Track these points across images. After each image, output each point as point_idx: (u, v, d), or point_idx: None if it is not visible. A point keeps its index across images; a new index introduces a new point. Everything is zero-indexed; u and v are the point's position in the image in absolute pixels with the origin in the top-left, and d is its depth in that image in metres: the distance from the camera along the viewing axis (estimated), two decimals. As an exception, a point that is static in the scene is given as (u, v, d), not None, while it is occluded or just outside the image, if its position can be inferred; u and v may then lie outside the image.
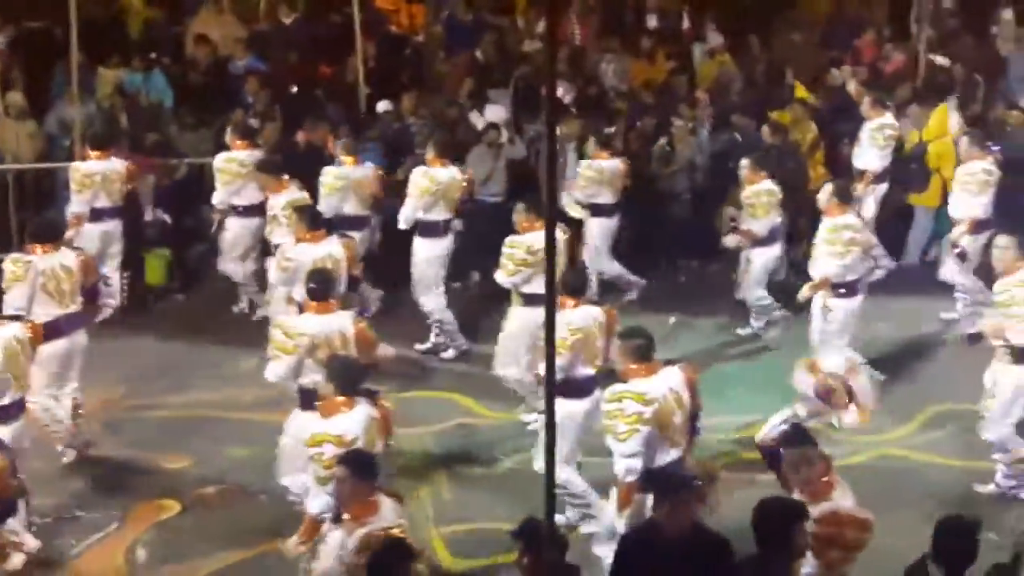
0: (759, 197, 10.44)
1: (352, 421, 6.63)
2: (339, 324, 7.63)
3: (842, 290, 9.24)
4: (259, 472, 8.29)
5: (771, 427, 6.69)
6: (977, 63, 14.80)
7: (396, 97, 13.16)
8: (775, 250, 10.63)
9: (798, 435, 6.35)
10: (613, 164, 11.25)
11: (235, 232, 11.10)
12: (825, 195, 9.40)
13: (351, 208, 10.79)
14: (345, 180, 10.72)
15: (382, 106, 12.96)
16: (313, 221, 9.23)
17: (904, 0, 16.51)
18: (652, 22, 16.24)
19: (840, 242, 9.16)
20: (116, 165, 11.01)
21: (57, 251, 8.56)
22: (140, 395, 9.86)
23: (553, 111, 4.87)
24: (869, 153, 11.86)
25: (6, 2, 14.22)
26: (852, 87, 13.39)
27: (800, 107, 12.77)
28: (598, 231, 11.34)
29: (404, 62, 14.96)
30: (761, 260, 10.57)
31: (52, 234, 8.69)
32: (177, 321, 11.35)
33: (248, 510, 8.24)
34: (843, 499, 6.11)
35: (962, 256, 10.47)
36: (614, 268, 11.54)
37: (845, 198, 9.42)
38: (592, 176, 11.20)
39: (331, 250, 9.04)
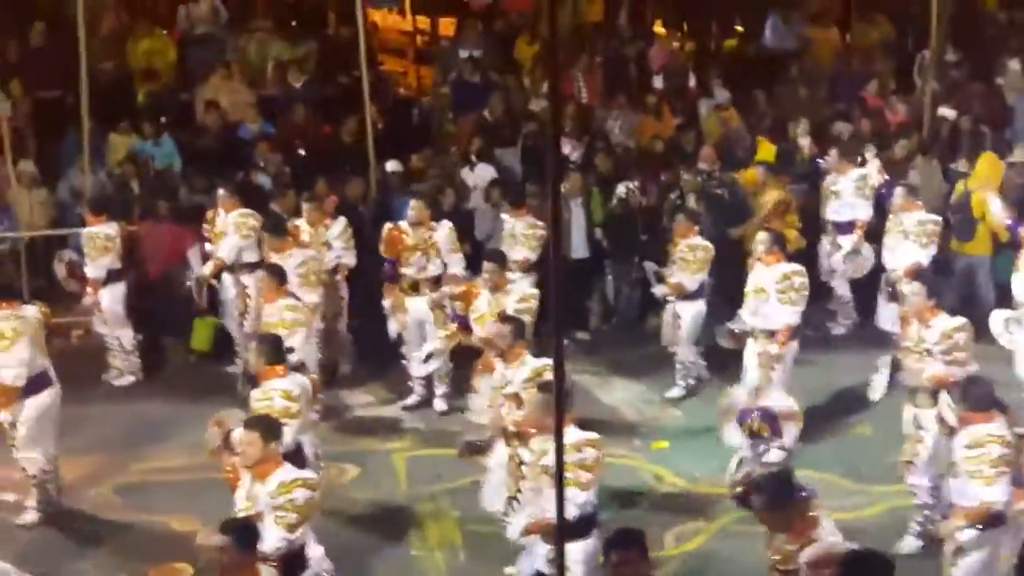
0: (694, 252, 10.53)
1: None
2: None
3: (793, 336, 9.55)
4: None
5: (730, 474, 6.78)
6: (983, 114, 14.87)
7: (404, 158, 13.29)
8: (701, 305, 10.67)
9: (766, 481, 6.33)
10: (528, 222, 11.28)
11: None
12: (764, 245, 9.63)
13: None
14: None
15: (391, 166, 13.06)
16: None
17: (908, 54, 16.67)
18: (658, 83, 16.37)
19: (792, 289, 9.39)
20: (109, 229, 11.16)
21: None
22: (147, 458, 9.86)
23: (558, 168, 4.89)
24: (859, 204, 11.87)
25: (19, 73, 14.38)
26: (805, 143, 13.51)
27: (763, 169, 12.63)
28: None
29: (412, 123, 15.09)
30: (690, 314, 10.63)
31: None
32: (186, 382, 11.31)
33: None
34: (831, 535, 6.05)
35: (893, 297, 10.52)
36: None
37: (782, 247, 9.74)
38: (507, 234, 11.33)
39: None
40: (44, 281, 12.44)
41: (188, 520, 8.82)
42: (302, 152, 14.14)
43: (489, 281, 9.56)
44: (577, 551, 6.61)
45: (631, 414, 10.58)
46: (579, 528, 6.66)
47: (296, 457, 7.43)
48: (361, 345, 11.49)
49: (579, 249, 12.27)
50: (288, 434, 7.32)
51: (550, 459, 6.63)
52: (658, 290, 10.92)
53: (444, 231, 10.73)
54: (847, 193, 11.91)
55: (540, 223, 11.13)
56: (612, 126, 14.50)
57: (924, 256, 10.75)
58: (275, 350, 7.98)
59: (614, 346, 11.98)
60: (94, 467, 9.66)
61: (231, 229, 11.18)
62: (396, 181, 12.89)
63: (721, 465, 9.18)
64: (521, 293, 9.48)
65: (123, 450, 9.90)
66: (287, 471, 6.72)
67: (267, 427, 6.80)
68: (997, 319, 9.49)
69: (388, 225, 10.89)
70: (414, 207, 10.75)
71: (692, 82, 16.45)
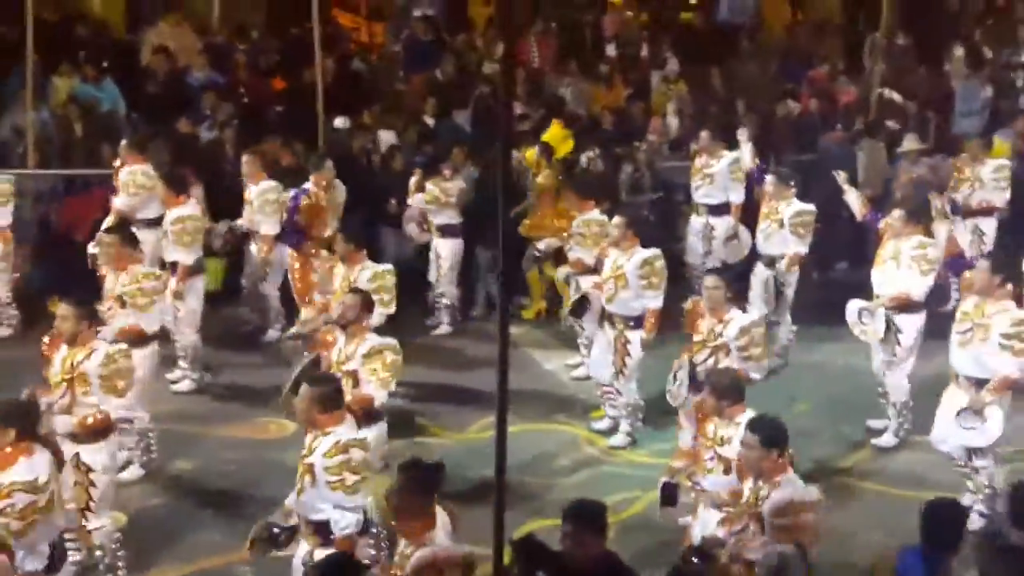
0: (588, 227, 10.36)
1: None
2: None
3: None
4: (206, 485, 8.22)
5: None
6: (929, 98, 15.05)
7: (353, 114, 13.18)
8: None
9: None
10: (455, 184, 11.40)
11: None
12: (619, 230, 9.42)
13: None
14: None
15: (339, 122, 12.95)
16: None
17: (857, 35, 16.81)
18: (611, 50, 16.36)
19: (655, 274, 9.24)
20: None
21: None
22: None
23: (508, 132, 4.85)
24: (732, 187, 11.69)
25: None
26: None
27: (539, 149, 12.11)
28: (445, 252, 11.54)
29: (362, 80, 14.96)
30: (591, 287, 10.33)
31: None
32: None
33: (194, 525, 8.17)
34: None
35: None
36: (452, 292, 11.66)
37: (638, 231, 9.47)
38: (435, 197, 11.36)
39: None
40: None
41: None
42: (246, 102, 13.98)
43: (342, 255, 9.49)
44: None
45: (571, 383, 10.61)
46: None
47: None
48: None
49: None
50: None
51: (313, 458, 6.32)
52: (560, 272, 10.78)
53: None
54: (720, 176, 11.65)
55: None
56: (564, 93, 14.47)
57: (801, 246, 10.55)
58: None
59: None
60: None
61: (122, 185, 10.90)
62: (343, 138, 12.78)
63: (658, 436, 9.36)
64: (374, 270, 9.25)
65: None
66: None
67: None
68: (851, 309, 9.32)
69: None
70: (246, 162, 10.73)
71: (645, 52, 16.45)
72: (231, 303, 11.74)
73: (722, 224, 11.72)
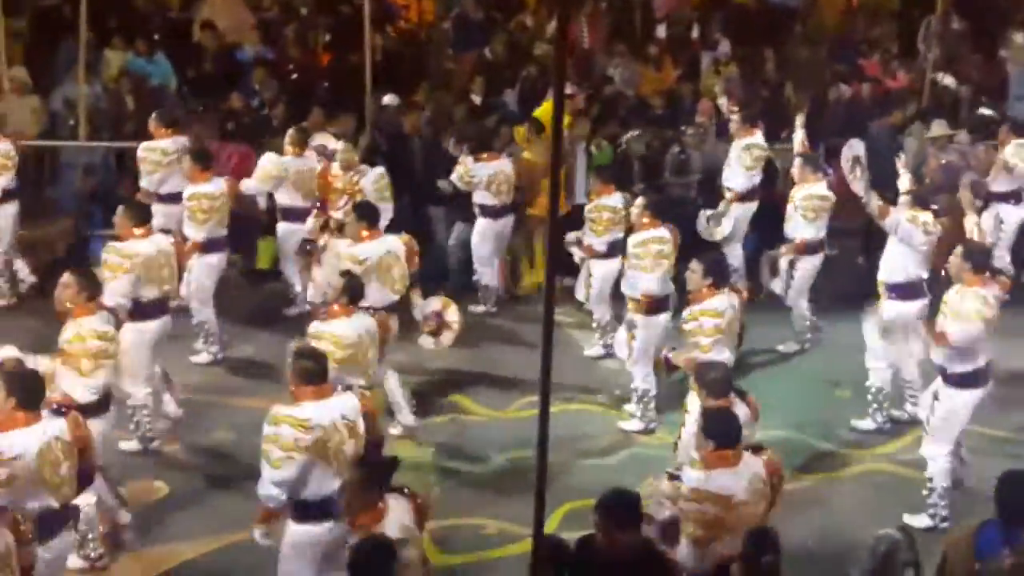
0: (600, 212, 10.27)
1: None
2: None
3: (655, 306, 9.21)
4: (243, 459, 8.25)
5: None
6: (984, 84, 14.84)
7: (402, 91, 13.18)
8: (613, 264, 10.24)
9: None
10: (497, 166, 11.25)
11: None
12: (637, 210, 9.40)
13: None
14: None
15: (388, 99, 12.96)
16: (372, 219, 9.14)
17: (912, 19, 16.59)
18: (661, 31, 16.25)
19: (649, 256, 9.14)
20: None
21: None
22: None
23: (560, 113, 4.82)
24: (736, 172, 11.51)
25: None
26: (724, 103, 12.99)
27: (529, 126, 11.98)
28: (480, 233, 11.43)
29: (411, 57, 14.96)
30: (600, 273, 10.37)
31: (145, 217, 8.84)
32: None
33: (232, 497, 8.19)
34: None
35: (773, 272, 10.64)
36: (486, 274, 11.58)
37: (659, 211, 9.39)
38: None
39: (390, 246, 9.06)
40: (33, 191, 12.36)
41: (168, 440, 8.91)
42: (295, 78, 14.03)
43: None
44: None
45: (611, 364, 10.59)
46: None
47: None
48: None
49: (579, 195, 12.21)
50: None
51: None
52: (575, 252, 10.62)
53: (372, 177, 10.56)
54: (732, 160, 11.54)
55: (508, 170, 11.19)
56: (613, 74, 14.39)
57: (810, 231, 10.38)
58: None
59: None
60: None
61: (139, 160, 10.90)
62: (391, 115, 12.79)
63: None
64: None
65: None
66: None
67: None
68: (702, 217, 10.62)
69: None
70: (342, 150, 10.64)
71: (696, 33, 16.33)
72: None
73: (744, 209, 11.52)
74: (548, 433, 4.15)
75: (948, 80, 14.51)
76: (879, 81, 14.84)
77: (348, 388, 6.92)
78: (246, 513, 7.53)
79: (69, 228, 12.13)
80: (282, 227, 10.99)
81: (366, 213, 9.13)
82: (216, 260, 10.09)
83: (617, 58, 14.84)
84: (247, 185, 10.70)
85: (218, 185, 10.05)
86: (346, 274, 8.11)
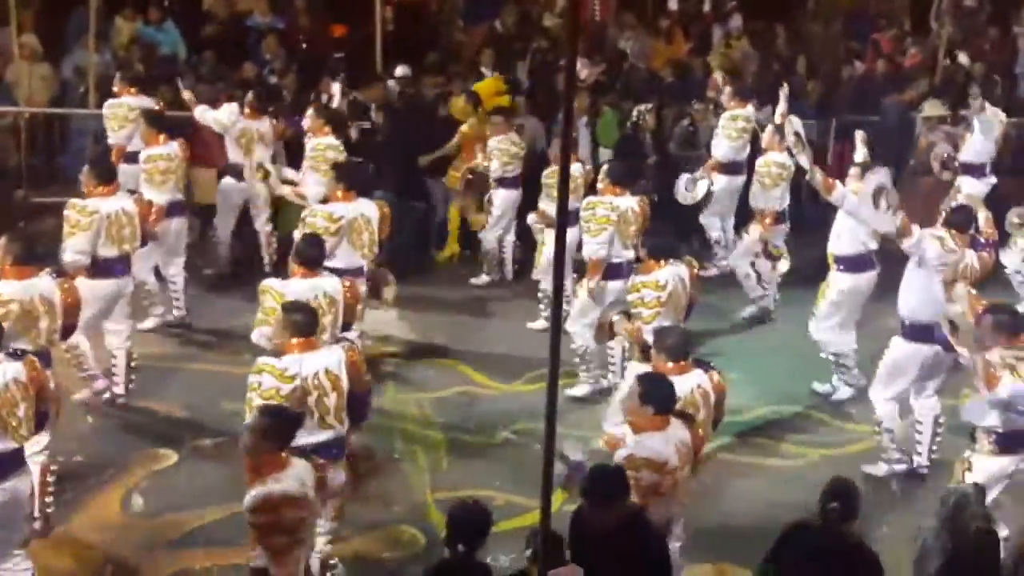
0: (554, 178, 10.09)
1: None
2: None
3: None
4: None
5: None
6: (997, 61, 14.77)
7: (413, 62, 13.15)
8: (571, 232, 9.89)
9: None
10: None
11: None
12: (603, 180, 9.25)
13: None
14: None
15: (400, 71, 12.92)
16: (350, 181, 9.03)
17: (926, -3, 16.52)
18: (673, 4, 16.19)
19: (594, 219, 8.99)
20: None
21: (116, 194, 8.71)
22: (147, 344, 9.85)
23: (571, 85, 4.77)
24: (720, 142, 11.49)
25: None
26: (718, 76, 13.02)
27: (466, 98, 11.94)
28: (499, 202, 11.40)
29: (422, 29, 14.92)
30: (552, 239, 10.13)
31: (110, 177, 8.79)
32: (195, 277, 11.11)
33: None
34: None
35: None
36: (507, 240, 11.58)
37: (621, 179, 9.22)
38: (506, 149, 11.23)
39: (364, 210, 8.97)
40: (43, 158, 12.37)
41: (176, 408, 8.94)
42: (306, 47, 14.00)
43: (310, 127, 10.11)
44: None
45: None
46: None
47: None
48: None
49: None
50: None
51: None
52: (529, 218, 10.63)
53: (313, 143, 10.41)
54: (719, 130, 11.51)
55: (517, 140, 11.11)
56: (624, 47, 14.34)
57: (769, 200, 10.43)
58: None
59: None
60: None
61: (105, 119, 10.95)
62: (403, 86, 12.76)
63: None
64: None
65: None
66: None
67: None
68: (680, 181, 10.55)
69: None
70: (309, 115, 10.58)
71: (708, 6, 16.27)
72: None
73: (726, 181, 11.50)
74: (556, 406, 4.14)
75: (963, 58, 14.43)
76: (892, 58, 14.77)
77: (338, 341, 7.09)
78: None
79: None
80: (225, 182, 11.03)
81: (344, 174, 9.07)
82: (178, 224, 10.06)
83: (628, 31, 14.79)
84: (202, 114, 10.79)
85: (172, 147, 9.98)
86: (305, 236, 8.03)
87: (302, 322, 6.53)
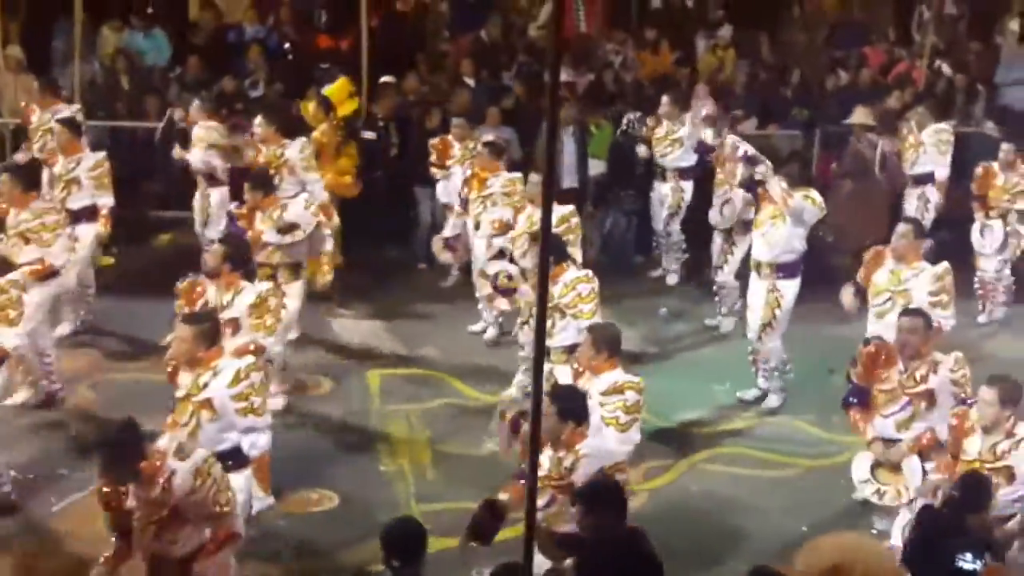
0: (506, 187, 10.28)
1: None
2: None
3: None
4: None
5: None
6: (979, 71, 14.83)
7: (398, 73, 13.15)
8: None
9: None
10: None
11: None
12: (536, 187, 9.41)
13: None
14: None
15: (385, 80, 12.90)
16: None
17: (908, 6, 16.56)
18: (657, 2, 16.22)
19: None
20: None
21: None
22: (127, 356, 9.84)
23: (556, 95, 4.78)
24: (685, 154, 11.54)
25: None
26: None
27: (315, 104, 11.46)
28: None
29: (407, 39, 14.91)
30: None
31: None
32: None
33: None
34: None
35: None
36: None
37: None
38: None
39: None
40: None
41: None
42: (291, 58, 14.01)
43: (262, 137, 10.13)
44: None
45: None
46: None
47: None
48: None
49: (567, 179, 12.21)
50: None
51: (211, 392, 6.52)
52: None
53: (294, 149, 10.36)
54: (689, 140, 11.44)
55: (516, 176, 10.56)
56: (612, 59, 14.36)
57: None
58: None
59: (602, 278, 11.91)
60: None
61: (32, 132, 10.96)
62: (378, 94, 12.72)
63: (696, 402, 9.36)
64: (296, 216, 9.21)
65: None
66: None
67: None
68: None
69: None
70: (258, 124, 10.49)
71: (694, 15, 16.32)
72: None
73: (691, 187, 11.60)
74: (541, 415, 4.14)
75: (946, 68, 14.50)
76: (878, 66, 14.83)
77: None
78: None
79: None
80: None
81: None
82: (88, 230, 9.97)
83: (614, 43, 14.83)
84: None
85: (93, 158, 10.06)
86: (221, 242, 8.11)
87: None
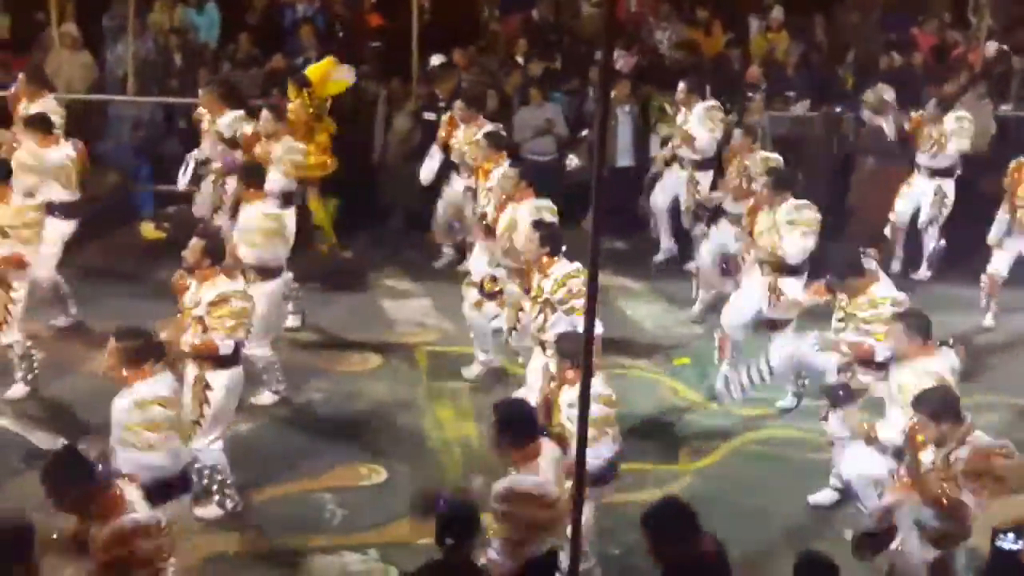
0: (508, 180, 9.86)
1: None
2: None
3: None
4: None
5: None
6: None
7: (449, 52, 13.16)
8: None
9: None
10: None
11: None
12: (511, 181, 9.15)
13: None
14: None
15: (435, 60, 12.93)
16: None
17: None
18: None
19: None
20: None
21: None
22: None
23: (607, 75, 4.79)
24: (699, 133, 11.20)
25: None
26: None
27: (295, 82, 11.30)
28: None
29: (459, 17, 14.91)
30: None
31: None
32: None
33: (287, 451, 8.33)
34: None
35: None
36: None
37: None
38: None
39: None
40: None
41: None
42: (342, 36, 14.04)
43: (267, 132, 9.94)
44: None
45: (654, 328, 10.58)
46: None
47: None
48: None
49: (623, 157, 12.15)
50: None
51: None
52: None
53: (284, 146, 10.16)
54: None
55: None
56: (662, 38, 14.29)
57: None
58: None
59: (648, 258, 11.95)
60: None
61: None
62: (438, 75, 12.74)
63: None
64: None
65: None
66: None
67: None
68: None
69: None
70: (264, 119, 10.22)
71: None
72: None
73: (706, 178, 11.28)
74: (589, 402, 4.12)
75: (1003, 49, 14.29)
76: (933, 48, 14.66)
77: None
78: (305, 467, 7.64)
79: (117, 182, 12.23)
80: None
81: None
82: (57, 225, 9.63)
83: (665, 22, 14.75)
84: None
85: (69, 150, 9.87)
86: (201, 235, 7.74)
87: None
